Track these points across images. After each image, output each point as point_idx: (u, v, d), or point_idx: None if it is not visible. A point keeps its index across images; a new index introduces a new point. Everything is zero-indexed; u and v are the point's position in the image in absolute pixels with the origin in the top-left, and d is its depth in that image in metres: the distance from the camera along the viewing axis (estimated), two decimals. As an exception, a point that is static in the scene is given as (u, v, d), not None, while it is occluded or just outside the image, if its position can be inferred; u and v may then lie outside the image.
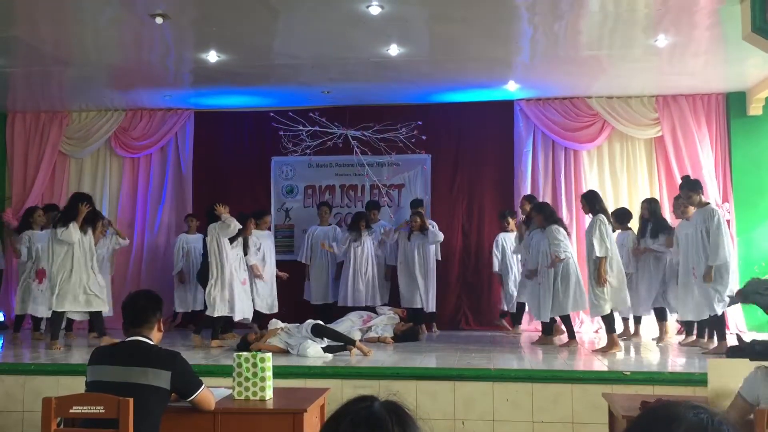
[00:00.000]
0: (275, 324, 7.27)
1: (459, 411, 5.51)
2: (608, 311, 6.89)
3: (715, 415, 1.30)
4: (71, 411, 3.01)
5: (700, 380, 4.72)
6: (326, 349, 6.67)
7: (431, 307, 8.65)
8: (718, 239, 6.50)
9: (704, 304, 6.61)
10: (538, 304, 7.43)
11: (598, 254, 6.79)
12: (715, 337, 6.73)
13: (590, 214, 7.20)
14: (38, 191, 9.71)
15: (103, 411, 2.96)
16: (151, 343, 3.33)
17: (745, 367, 3.15)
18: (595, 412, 5.08)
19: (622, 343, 6.96)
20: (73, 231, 7.18)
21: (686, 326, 7.50)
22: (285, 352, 6.71)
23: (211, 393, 3.48)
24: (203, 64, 7.58)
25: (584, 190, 8.89)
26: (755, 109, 8.74)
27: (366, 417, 1.26)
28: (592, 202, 7.19)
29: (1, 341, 8.24)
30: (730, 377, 3.16)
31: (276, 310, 8.43)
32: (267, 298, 8.47)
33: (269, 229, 8.95)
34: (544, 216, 7.45)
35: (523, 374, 5.63)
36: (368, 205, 9.19)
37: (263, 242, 8.56)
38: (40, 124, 9.82)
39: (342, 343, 6.77)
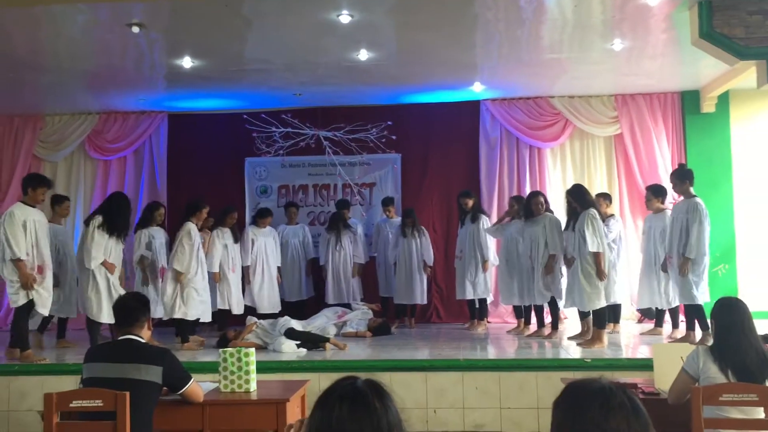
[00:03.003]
0: (250, 320, 7.48)
1: (431, 400, 5.81)
2: (603, 305, 6.73)
3: (611, 382, 1.61)
4: (71, 405, 3.23)
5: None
6: (301, 345, 6.89)
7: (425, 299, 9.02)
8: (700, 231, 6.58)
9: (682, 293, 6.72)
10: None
11: (591, 249, 6.59)
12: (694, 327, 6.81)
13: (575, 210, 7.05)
14: (13, 195, 9.73)
15: (101, 404, 3.19)
16: (142, 341, 3.56)
17: (686, 350, 3.48)
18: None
19: (606, 340, 6.69)
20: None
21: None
22: (262, 348, 6.93)
23: (199, 386, 3.73)
24: (178, 69, 7.73)
25: (548, 187, 9.24)
26: (708, 106, 9.17)
27: (351, 392, 1.54)
28: (581, 196, 6.96)
29: None
30: (673, 360, 3.49)
31: (278, 309, 8.70)
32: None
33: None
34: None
35: (491, 364, 5.95)
36: (338, 203, 9.37)
37: (263, 240, 8.80)
38: (14, 128, 9.89)
39: (314, 342, 6.99)
